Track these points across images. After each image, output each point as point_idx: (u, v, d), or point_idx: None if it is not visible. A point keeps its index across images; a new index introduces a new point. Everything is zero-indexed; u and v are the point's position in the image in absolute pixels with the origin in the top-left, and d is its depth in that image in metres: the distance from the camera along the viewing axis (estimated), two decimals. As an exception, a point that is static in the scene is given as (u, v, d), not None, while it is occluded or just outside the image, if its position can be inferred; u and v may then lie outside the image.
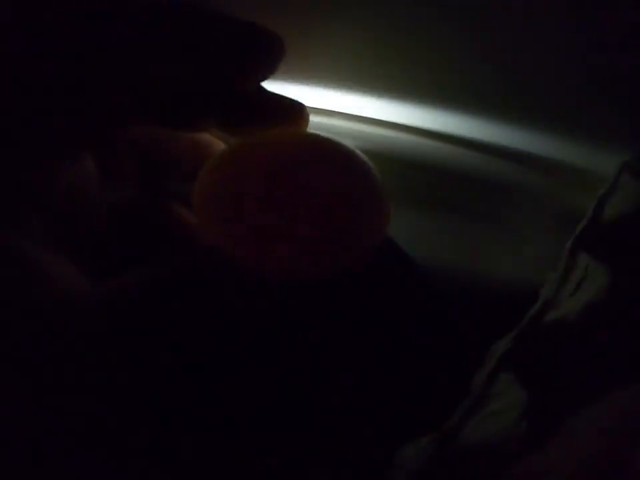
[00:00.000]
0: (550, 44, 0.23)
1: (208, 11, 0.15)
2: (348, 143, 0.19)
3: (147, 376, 0.16)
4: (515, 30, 0.22)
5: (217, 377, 0.25)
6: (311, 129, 0.20)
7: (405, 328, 0.27)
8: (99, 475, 0.20)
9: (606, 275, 0.26)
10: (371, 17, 0.22)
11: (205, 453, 0.24)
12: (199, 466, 0.24)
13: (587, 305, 0.26)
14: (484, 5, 0.21)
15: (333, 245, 0.17)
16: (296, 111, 0.19)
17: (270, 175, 0.18)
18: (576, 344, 0.26)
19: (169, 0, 0.15)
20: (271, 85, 0.19)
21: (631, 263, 0.26)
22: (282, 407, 0.25)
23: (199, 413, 0.24)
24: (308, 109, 0.19)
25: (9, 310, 0.15)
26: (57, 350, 0.15)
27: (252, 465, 0.24)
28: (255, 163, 0.18)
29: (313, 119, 0.20)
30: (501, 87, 0.26)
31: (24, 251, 0.17)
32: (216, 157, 0.19)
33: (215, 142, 0.21)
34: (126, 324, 0.15)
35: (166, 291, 0.16)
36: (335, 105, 0.28)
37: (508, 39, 0.23)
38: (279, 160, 0.18)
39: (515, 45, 0.23)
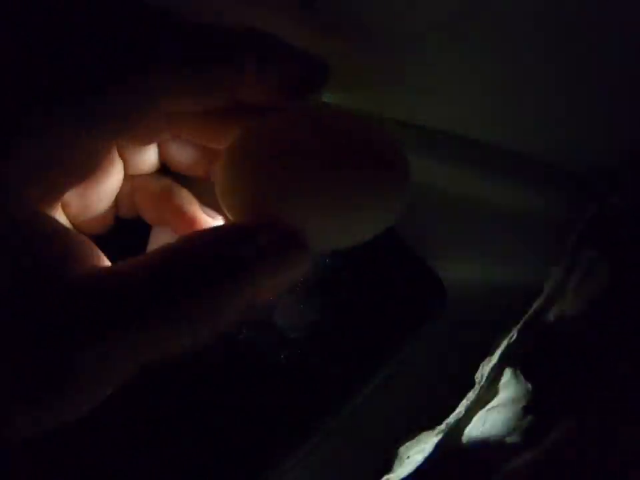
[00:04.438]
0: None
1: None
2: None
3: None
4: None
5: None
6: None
7: (409, 318, 0.27)
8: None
9: (607, 271, 0.26)
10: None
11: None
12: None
13: (590, 300, 0.26)
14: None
15: (353, 212, 0.18)
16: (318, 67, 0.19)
17: (288, 147, 0.18)
18: (578, 339, 0.26)
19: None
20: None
21: (632, 259, 0.26)
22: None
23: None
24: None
25: (47, 284, 0.15)
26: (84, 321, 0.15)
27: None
28: (275, 139, 0.18)
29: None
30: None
31: (57, 225, 0.17)
32: (239, 138, 0.19)
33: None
34: (145, 302, 0.16)
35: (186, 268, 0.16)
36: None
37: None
38: (298, 134, 0.18)
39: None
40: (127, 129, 0.19)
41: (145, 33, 0.18)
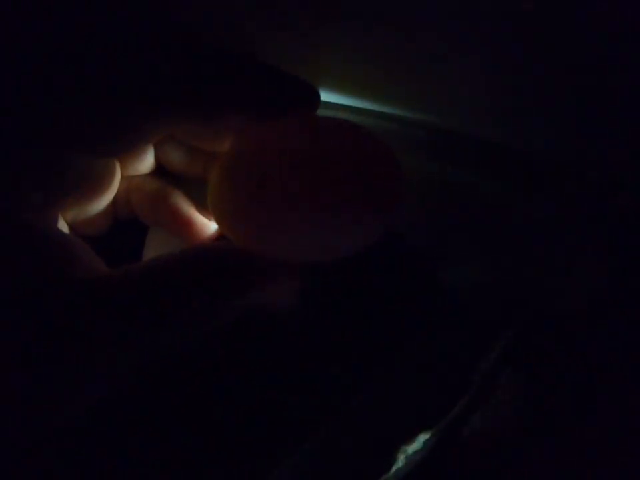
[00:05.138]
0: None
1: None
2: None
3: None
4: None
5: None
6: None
7: (409, 318, 0.27)
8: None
9: (607, 270, 0.26)
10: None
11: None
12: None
13: (589, 299, 0.26)
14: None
15: (351, 220, 0.18)
16: (309, 94, 0.20)
17: (287, 157, 0.17)
18: (578, 338, 0.26)
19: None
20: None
21: (633, 259, 0.26)
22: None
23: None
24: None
25: (50, 287, 0.16)
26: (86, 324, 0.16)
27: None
28: (271, 148, 0.18)
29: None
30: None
31: (58, 231, 0.18)
32: (232, 148, 0.19)
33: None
34: (145, 304, 0.16)
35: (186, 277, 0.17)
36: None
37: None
38: (294, 142, 0.18)
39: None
40: (127, 149, 0.20)
41: (147, 62, 0.18)
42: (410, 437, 0.25)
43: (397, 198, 0.18)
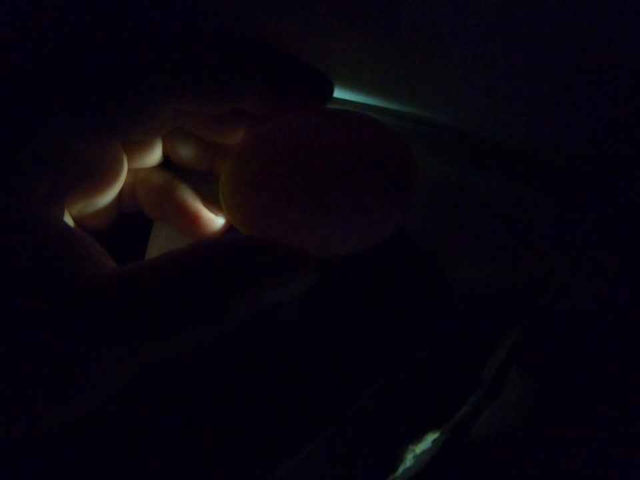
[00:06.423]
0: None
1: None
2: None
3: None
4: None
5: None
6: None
7: (415, 318, 0.27)
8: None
9: (612, 269, 0.26)
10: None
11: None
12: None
13: (595, 298, 0.26)
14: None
15: (363, 214, 0.17)
16: (324, 83, 0.19)
17: (298, 151, 0.17)
18: (584, 337, 0.26)
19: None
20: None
21: (637, 257, 0.26)
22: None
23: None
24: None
25: (55, 283, 0.15)
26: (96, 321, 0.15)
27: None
28: (287, 139, 0.18)
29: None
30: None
31: (65, 225, 0.18)
32: (243, 142, 0.19)
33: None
34: (153, 300, 0.16)
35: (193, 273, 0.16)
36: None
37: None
38: (311, 133, 0.18)
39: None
40: (134, 130, 0.19)
41: (151, 40, 0.18)
42: (418, 437, 0.25)
43: (412, 192, 0.18)
